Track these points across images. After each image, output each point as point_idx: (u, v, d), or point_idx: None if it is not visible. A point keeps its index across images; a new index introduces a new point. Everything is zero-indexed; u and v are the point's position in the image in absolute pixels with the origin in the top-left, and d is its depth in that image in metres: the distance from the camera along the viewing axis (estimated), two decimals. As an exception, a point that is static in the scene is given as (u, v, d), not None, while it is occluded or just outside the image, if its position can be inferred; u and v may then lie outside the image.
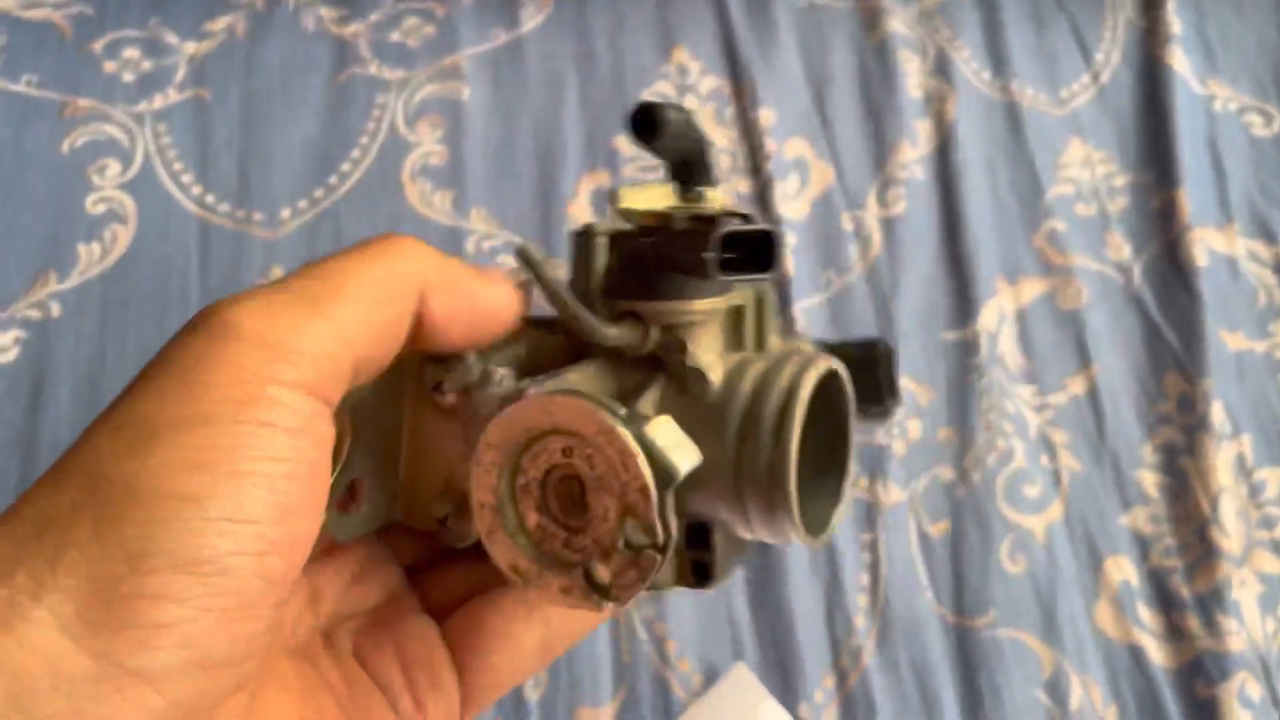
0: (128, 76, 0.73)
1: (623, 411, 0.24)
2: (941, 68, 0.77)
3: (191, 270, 0.66)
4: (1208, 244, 0.71)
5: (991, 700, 0.58)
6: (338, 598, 0.29)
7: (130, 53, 0.74)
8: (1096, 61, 0.78)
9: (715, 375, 0.28)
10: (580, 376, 0.28)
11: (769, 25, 0.78)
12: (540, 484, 0.26)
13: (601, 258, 0.29)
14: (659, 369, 0.29)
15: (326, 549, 0.29)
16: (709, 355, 0.29)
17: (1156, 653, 0.60)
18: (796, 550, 0.61)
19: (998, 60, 0.78)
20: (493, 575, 0.30)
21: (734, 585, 0.61)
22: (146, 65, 0.73)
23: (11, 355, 0.64)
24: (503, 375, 0.28)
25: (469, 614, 0.29)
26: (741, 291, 0.30)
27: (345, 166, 0.71)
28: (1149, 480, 0.64)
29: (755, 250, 0.26)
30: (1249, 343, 0.68)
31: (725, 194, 0.30)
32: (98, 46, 0.74)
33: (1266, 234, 0.72)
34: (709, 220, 0.27)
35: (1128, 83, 0.77)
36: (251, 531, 0.20)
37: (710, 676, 0.58)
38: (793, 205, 0.71)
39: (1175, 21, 0.78)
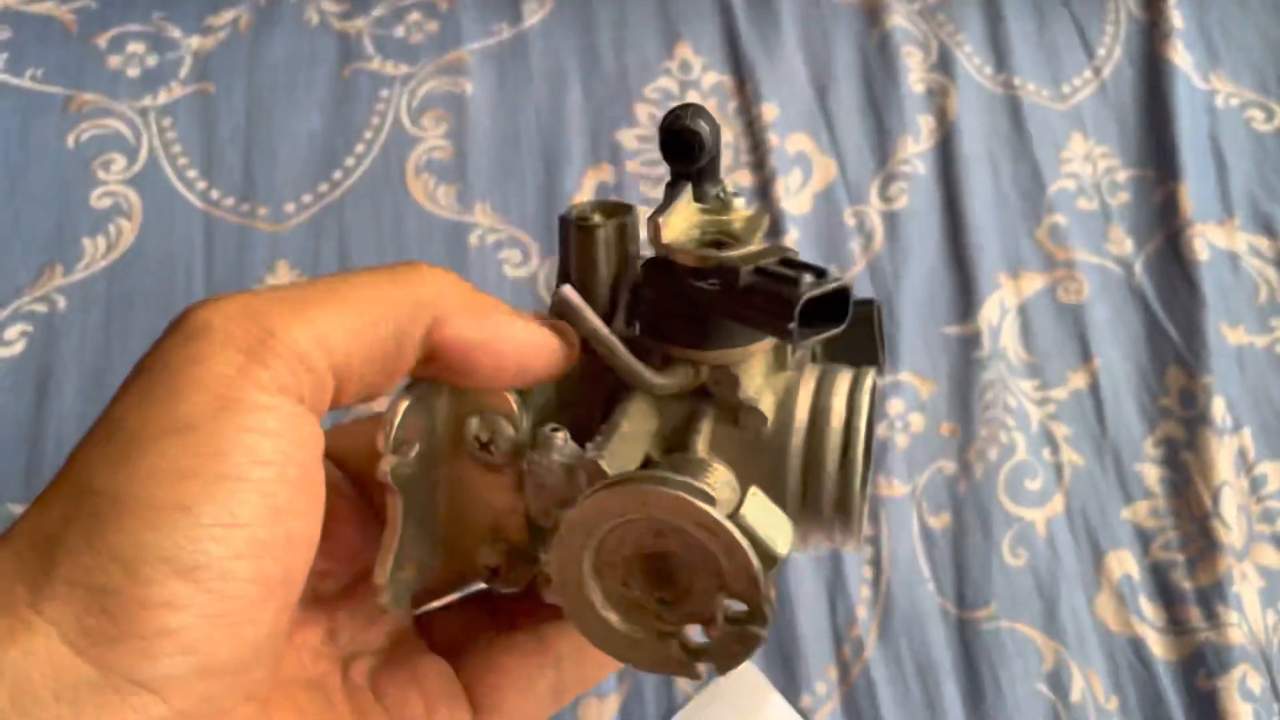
0: (132, 71, 0.73)
1: (716, 499, 0.24)
2: (943, 62, 0.77)
3: (196, 264, 0.67)
4: (1209, 239, 0.71)
5: (993, 692, 0.58)
6: (354, 637, 0.29)
7: (135, 47, 0.74)
8: (1098, 56, 0.78)
9: (768, 409, 0.28)
10: (631, 424, 0.27)
11: (771, 20, 0.78)
12: (626, 560, 0.25)
13: (604, 252, 0.28)
14: (703, 397, 0.28)
15: (344, 590, 0.29)
16: (758, 386, 0.28)
17: (1158, 645, 0.60)
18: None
19: (999, 55, 0.78)
20: (503, 618, 0.30)
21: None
22: (151, 60, 0.74)
23: (17, 349, 0.64)
24: (562, 439, 0.27)
25: (481, 654, 0.29)
26: None
27: (350, 161, 0.71)
28: (1150, 474, 0.65)
29: (828, 304, 0.25)
30: (1250, 337, 0.69)
31: (738, 193, 0.29)
32: (102, 41, 0.74)
33: (1268, 229, 0.72)
34: (780, 277, 0.25)
35: (1129, 77, 0.78)
36: (245, 535, 0.20)
37: (712, 670, 0.59)
38: (795, 200, 0.72)
39: (1177, 16, 0.78)
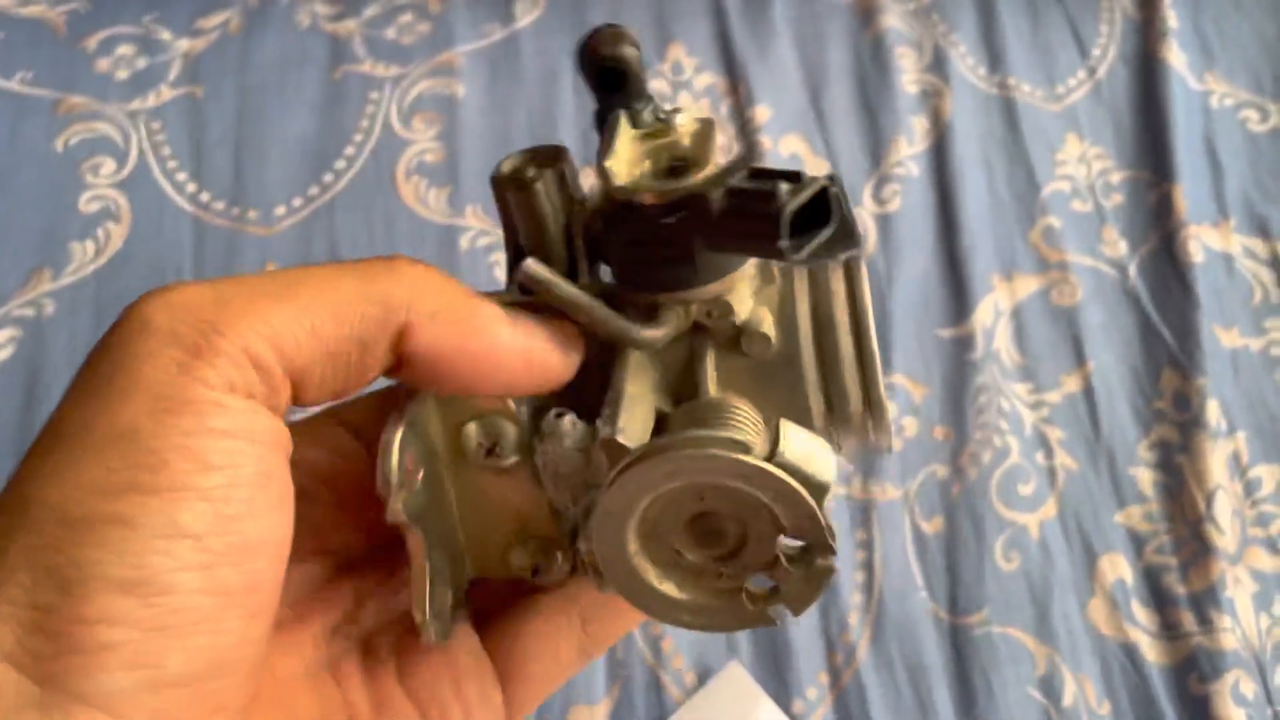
0: (121, 74, 0.73)
1: (753, 445, 0.23)
2: (937, 63, 0.77)
3: (186, 269, 0.66)
4: (1203, 240, 0.71)
5: (985, 698, 0.58)
6: (381, 607, 0.28)
7: (124, 50, 0.74)
8: (1093, 56, 0.78)
9: (769, 327, 0.26)
10: (634, 384, 0.26)
11: (764, 21, 0.78)
12: (671, 530, 0.25)
13: (548, 206, 0.26)
14: (699, 332, 0.26)
15: (374, 555, 0.28)
16: (752, 307, 0.26)
17: (1150, 650, 0.60)
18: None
19: (994, 56, 0.78)
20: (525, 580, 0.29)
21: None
22: (140, 62, 0.73)
23: (6, 353, 0.64)
24: (570, 424, 0.25)
25: (508, 622, 0.28)
26: None
27: (340, 164, 0.71)
28: (1144, 477, 0.64)
29: (810, 206, 0.23)
30: (1244, 339, 0.68)
31: (676, 108, 0.27)
32: (91, 44, 0.74)
33: (1262, 230, 0.72)
34: (756, 194, 0.22)
35: (1124, 78, 0.77)
36: (192, 546, 0.20)
37: (704, 674, 0.59)
38: (788, 202, 0.71)
39: (1172, 16, 0.78)
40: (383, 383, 0.25)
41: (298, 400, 0.22)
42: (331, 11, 0.76)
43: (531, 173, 0.26)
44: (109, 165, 0.70)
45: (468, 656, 0.27)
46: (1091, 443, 0.65)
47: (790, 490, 0.23)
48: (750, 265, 0.26)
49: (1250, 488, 0.64)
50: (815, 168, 0.73)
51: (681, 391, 0.27)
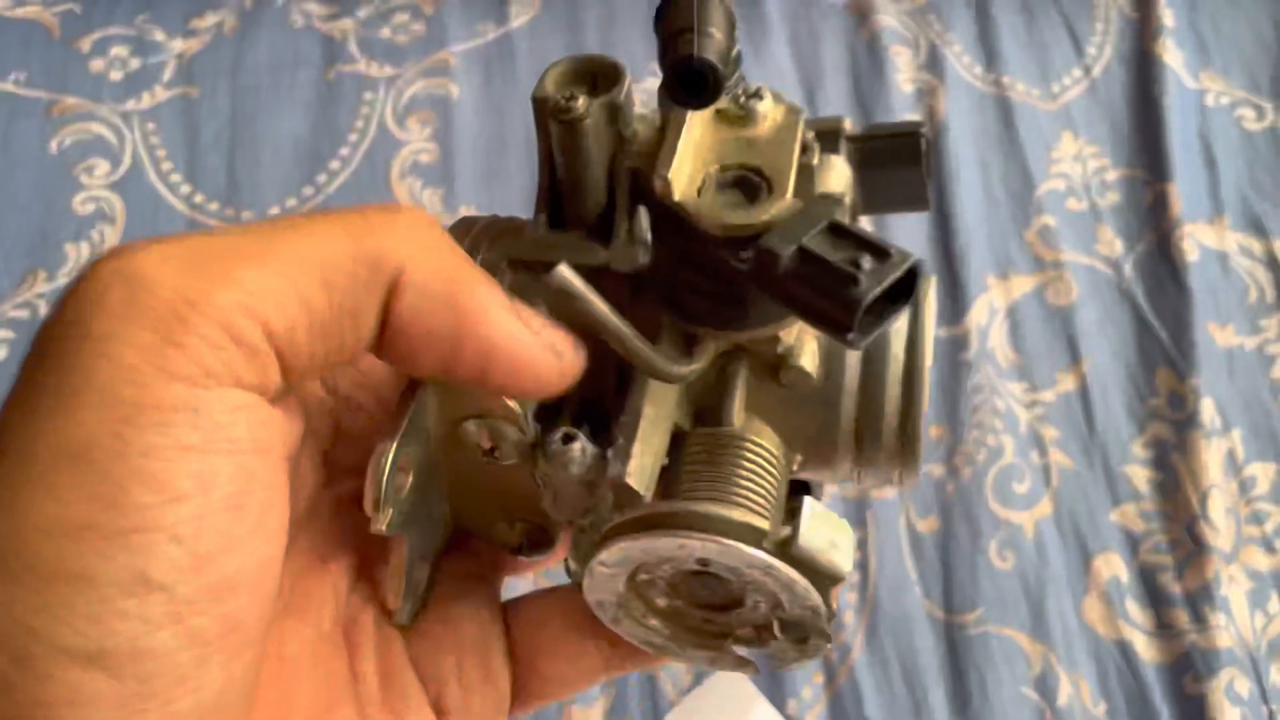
0: (115, 74, 0.73)
1: (769, 530, 0.21)
2: (933, 62, 0.77)
3: (180, 269, 0.66)
4: (1198, 239, 0.71)
5: (979, 697, 0.58)
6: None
7: (118, 50, 0.74)
8: (1088, 55, 0.78)
9: (811, 361, 0.24)
10: (654, 405, 0.23)
11: (759, 20, 0.78)
12: (668, 580, 0.23)
13: (594, 145, 0.23)
14: (735, 351, 0.24)
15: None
16: (797, 334, 0.24)
17: (1145, 649, 0.60)
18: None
19: (989, 54, 0.78)
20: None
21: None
22: (134, 63, 0.73)
23: (0, 355, 0.64)
24: (578, 450, 0.23)
25: (534, 609, 0.26)
26: None
27: (334, 164, 0.71)
28: (1139, 476, 0.64)
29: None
30: (1239, 338, 0.68)
31: (758, 93, 0.23)
32: (85, 44, 0.74)
33: (1258, 228, 0.72)
34: (834, 271, 0.20)
35: (1119, 76, 0.77)
36: (162, 601, 0.17)
37: (699, 674, 0.59)
38: (783, 201, 0.71)
39: (1168, 15, 0.78)
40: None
41: (288, 375, 0.19)
42: (326, 11, 0.76)
43: (580, 107, 0.22)
44: (103, 166, 0.70)
45: (475, 630, 0.25)
46: (1086, 441, 0.65)
47: (799, 586, 0.21)
48: None
49: (1245, 486, 0.64)
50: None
51: (705, 408, 0.25)
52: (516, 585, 0.28)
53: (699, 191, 0.22)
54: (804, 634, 0.23)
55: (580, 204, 0.24)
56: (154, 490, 0.17)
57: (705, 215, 0.21)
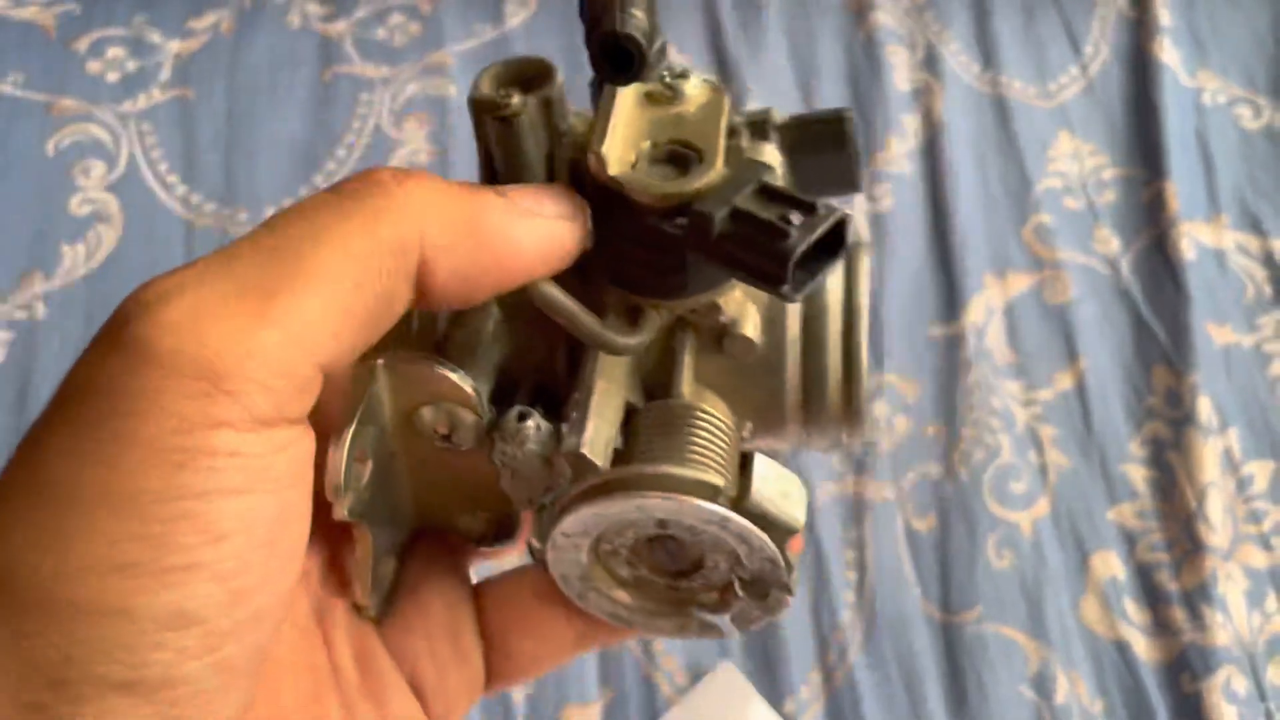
0: (112, 76, 0.73)
1: (723, 485, 0.22)
2: (930, 61, 0.77)
3: (177, 270, 0.66)
4: (1196, 237, 0.71)
5: (977, 696, 0.58)
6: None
7: (115, 52, 0.74)
8: (1085, 53, 0.78)
9: (754, 329, 0.24)
10: (605, 379, 0.24)
11: (756, 19, 0.78)
12: (629, 547, 0.24)
13: (530, 140, 0.23)
14: (680, 326, 0.25)
15: None
16: (739, 302, 0.24)
17: (1142, 647, 0.60)
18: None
19: (986, 53, 0.78)
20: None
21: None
22: (131, 65, 0.73)
23: (-2, 357, 0.64)
24: (533, 427, 0.23)
25: (505, 587, 0.27)
26: None
27: (331, 165, 0.71)
28: (1136, 475, 0.64)
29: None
30: (1237, 336, 0.68)
31: (684, 72, 0.24)
32: (82, 46, 0.74)
33: (1255, 227, 0.72)
34: (765, 225, 0.20)
35: (1117, 75, 0.77)
36: (197, 634, 0.17)
37: (696, 674, 0.59)
38: (780, 201, 0.71)
39: (1164, 13, 0.78)
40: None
41: (329, 379, 0.20)
42: (322, 12, 0.76)
43: (516, 103, 0.23)
44: (100, 168, 0.70)
45: (444, 611, 0.26)
46: (1084, 440, 0.65)
47: (755, 537, 0.22)
48: None
49: (1242, 484, 0.64)
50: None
51: (655, 382, 0.25)
52: (485, 571, 0.29)
53: (632, 167, 0.23)
54: (764, 589, 0.23)
55: None
56: (199, 531, 0.17)
57: (639, 187, 0.22)
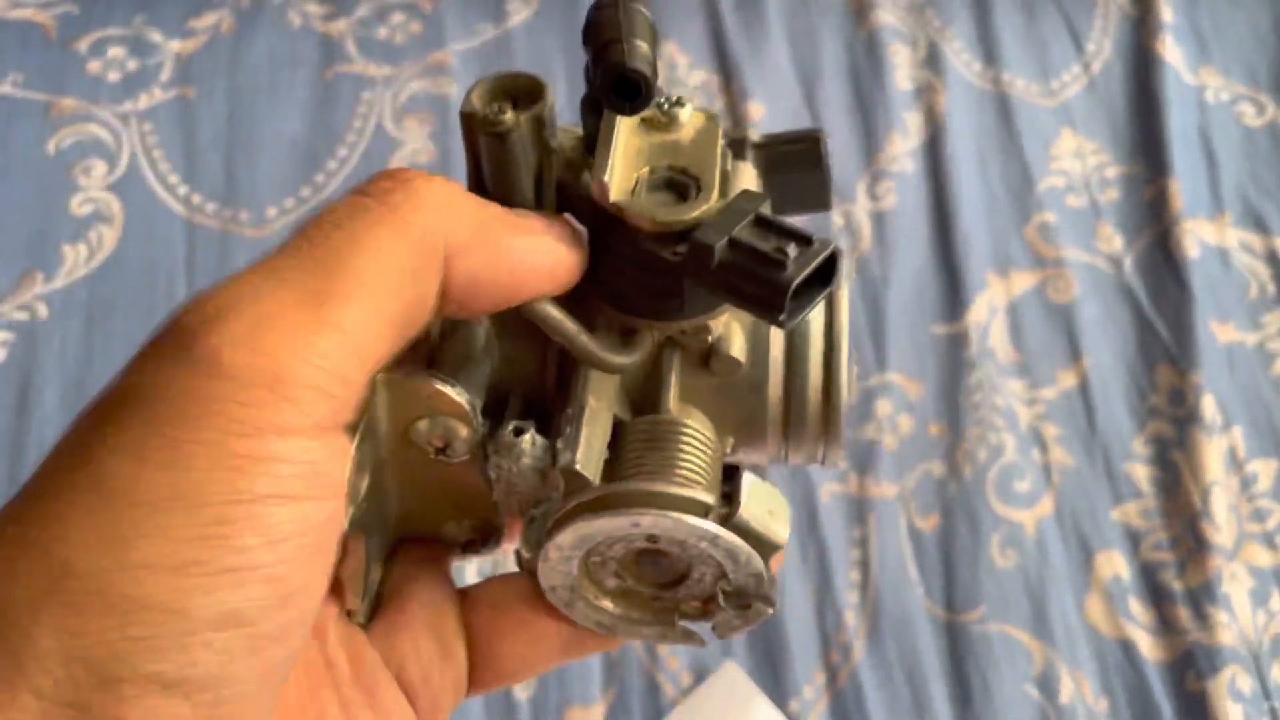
0: (113, 76, 0.73)
1: (713, 503, 0.23)
2: (932, 59, 0.77)
3: (178, 271, 0.66)
4: (1199, 235, 0.71)
5: (982, 695, 0.58)
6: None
7: (115, 52, 0.74)
8: (1088, 51, 0.78)
9: (739, 349, 0.25)
10: (595, 397, 0.25)
11: (758, 18, 0.78)
12: (618, 560, 0.25)
13: (522, 156, 0.24)
14: (668, 345, 0.26)
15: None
16: (725, 323, 0.25)
17: (1147, 647, 0.59)
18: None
19: (988, 51, 0.77)
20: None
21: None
22: (132, 64, 0.73)
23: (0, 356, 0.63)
24: (529, 441, 0.24)
25: (491, 590, 0.27)
26: None
27: (332, 164, 0.71)
28: (1140, 474, 0.64)
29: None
30: (1240, 334, 0.68)
31: (680, 100, 0.25)
32: (83, 46, 0.73)
33: (1259, 225, 0.72)
34: (762, 257, 0.21)
35: (1119, 73, 0.77)
36: (245, 635, 0.18)
37: (699, 674, 0.58)
38: (782, 200, 0.71)
39: (1167, 11, 0.78)
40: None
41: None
42: (323, 11, 0.76)
43: (509, 120, 0.23)
44: (100, 168, 0.69)
45: (427, 612, 0.26)
46: (1087, 439, 0.65)
47: (743, 553, 0.23)
48: None
49: (1247, 483, 0.64)
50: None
51: (642, 399, 0.26)
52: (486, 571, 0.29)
53: (633, 193, 0.24)
54: (747, 601, 0.24)
55: None
56: (257, 533, 0.18)
57: (641, 214, 0.23)
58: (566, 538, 0.23)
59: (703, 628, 0.26)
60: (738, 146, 0.27)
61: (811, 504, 0.62)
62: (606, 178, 0.23)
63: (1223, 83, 0.77)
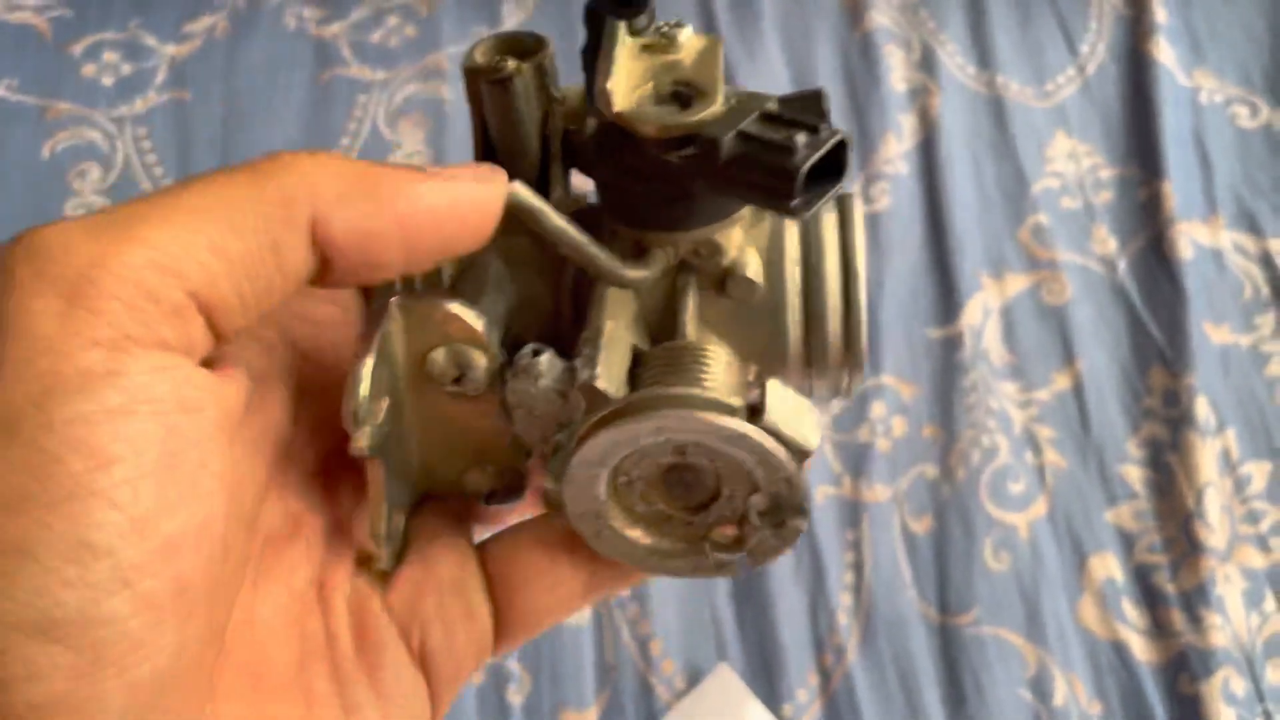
0: (108, 80, 0.73)
1: (740, 406, 0.22)
2: (926, 61, 0.77)
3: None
4: (1193, 237, 0.71)
5: (975, 698, 0.58)
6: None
7: (110, 55, 0.74)
8: (1082, 53, 0.78)
9: (756, 271, 0.25)
10: (613, 321, 0.24)
11: (752, 18, 0.78)
12: (645, 478, 0.24)
13: (525, 104, 0.24)
14: (683, 268, 0.25)
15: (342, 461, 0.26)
16: (741, 246, 0.25)
17: (1140, 649, 0.60)
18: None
19: (982, 53, 0.77)
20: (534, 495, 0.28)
21: (717, 585, 0.61)
22: (127, 68, 0.73)
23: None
24: (546, 362, 0.24)
25: (506, 542, 0.26)
26: None
27: (327, 168, 0.71)
28: (1134, 476, 0.64)
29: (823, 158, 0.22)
30: (1234, 336, 0.68)
31: (680, 21, 0.25)
32: (78, 50, 0.74)
33: (1252, 226, 0.72)
34: (771, 144, 0.21)
35: (1113, 74, 0.77)
36: (106, 567, 0.17)
37: (694, 677, 0.59)
38: (776, 202, 0.71)
39: (1161, 12, 0.78)
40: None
41: (218, 329, 0.20)
42: (318, 15, 0.76)
43: (511, 66, 0.24)
44: (96, 172, 0.70)
45: (451, 569, 0.25)
46: (1081, 441, 0.65)
47: (773, 455, 0.22)
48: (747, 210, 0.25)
49: (1240, 484, 0.64)
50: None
51: (660, 328, 0.26)
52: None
53: (636, 105, 0.23)
54: (781, 517, 0.24)
55: (514, 166, 0.25)
56: (85, 456, 0.17)
57: (645, 120, 0.23)
58: (592, 451, 0.23)
59: (737, 558, 0.25)
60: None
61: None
62: (610, 86, 0.23)
63: (1217, 84, 0.77)
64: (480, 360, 0.24)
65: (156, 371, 0.18)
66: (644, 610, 0.60)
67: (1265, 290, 0.70)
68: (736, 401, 0.22)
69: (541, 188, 0.25)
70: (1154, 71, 0.75)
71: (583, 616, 0.59)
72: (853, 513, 0.63)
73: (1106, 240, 0.71)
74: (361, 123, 0.72)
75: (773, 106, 0.23)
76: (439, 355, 0.24)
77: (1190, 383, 0.66)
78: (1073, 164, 0.74)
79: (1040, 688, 0.59)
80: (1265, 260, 0.71)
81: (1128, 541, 0.63)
